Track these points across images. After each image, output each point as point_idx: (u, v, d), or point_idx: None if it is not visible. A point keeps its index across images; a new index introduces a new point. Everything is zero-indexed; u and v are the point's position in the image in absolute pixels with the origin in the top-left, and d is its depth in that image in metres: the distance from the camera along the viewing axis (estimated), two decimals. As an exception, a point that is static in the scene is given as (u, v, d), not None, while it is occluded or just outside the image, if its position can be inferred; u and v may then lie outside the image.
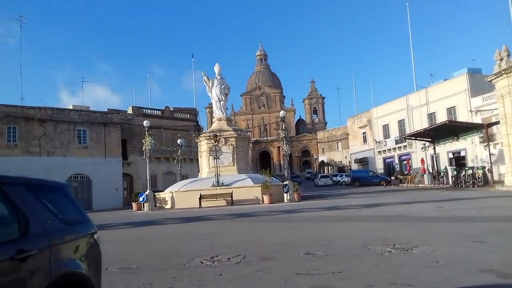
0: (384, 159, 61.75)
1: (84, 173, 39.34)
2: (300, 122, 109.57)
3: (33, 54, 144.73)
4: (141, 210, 29.82)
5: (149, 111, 49.62)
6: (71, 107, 43.64)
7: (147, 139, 31.59)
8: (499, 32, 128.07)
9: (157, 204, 30.96)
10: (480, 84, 42.89)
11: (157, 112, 50.18)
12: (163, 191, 33.84)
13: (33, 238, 3.78)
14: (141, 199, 29.97)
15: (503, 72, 29.73)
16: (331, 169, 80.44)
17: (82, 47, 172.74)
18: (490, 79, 31.91)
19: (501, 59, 30.24)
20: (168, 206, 29.96)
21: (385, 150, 60.81)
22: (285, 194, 27.99)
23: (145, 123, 32.22)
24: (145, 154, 31.51)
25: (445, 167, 42.76)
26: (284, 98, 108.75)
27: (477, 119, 42.72)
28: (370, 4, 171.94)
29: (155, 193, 31.95)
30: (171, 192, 30.68)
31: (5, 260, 3.18)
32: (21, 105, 39.21)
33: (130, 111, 47.55)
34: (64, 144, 39.34)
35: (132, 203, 31.99)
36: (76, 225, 4.81)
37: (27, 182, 4.33)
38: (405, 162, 57.01)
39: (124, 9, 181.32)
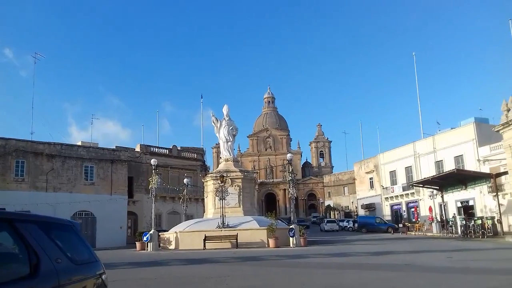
0: (392, 206, 61.00)
1: (89, 210, 39.16)
2: (306, 165, 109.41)
3: (45, 87, 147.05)
4: (144, 249, 29.39)
5: (156, 149, 49.90)
6: (79, 143, 44.05)
7: (154, 177, 31.55)
8: (506, 82, 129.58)
9: (161, 244, 30.53)
10: (487, 133, 42.92)
11: (165, 150, 50.44)
12: (167, 230, 33.45)
13: (43, 277, 3.72)
14: (145, 238, 29.59)
15: (510, 123, 29.79)
16: (337, 213, 79.45)
17: (94, 81, 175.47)
18: (498, 129, 31.94)
19: (508, 110, 30.37)
20: (172, 246, 29.52)
21: (392, 197, 60.17)
22: (291, 238, 27.53)
23: (153, 161, 32.29)
24: (151, 192, 31.38)
25: (454, 215, 42.11)
26: (291, 140, 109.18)
27: (485, 169, 42.42)
28: (377, 51, 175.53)
29: (160, 233, 31.58)
30: (175, 232, 30.31)
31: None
32: (31, 140, 39.62)
33: (138, 149, 47.84)
34: (71, 180, 39.41)
35: (136, 242, 31.57)
36: (85, 264, 4.74)
37: (39, 220, 4.30)
38: (412, 209, 56.23)
39: (138, 46, 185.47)
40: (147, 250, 29.03)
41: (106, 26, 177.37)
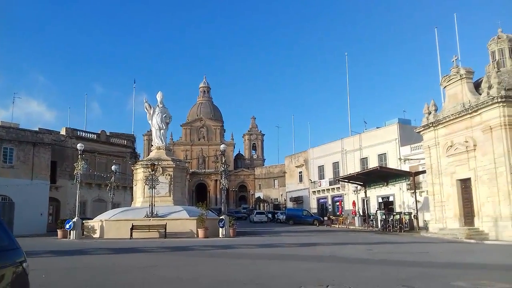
0: (318, 199, 63.21)
1: (6, 194, 36.59)
2: (238, 157, 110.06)
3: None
4: (66, 238, 28.11)
5: (84, 133, 47.64)
6: (-2, 123, 40.98)
7: (79, 163, 30.13)
8: (428, 87, 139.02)
9: (85, 233, 29.35)
10: (409, 134, 45.76)
11: (93, 135, 48.32)
12: (92, 219, 32.21)
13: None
14: (67, 226, 28.26)
15: (430, 125, 31.96)
16: (266, 205, 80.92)
17: (17, 56, 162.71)
18: (419, 130, 34.14)
19: (429, 113, 32.56)
20: (97, 235, 28.49)
21: (319, 191, 62.34)
22: (220, 229, 27.66)
23: (79, 146, 30.82)
24: (77, 178, 29.97)
25: (377, 210, 44.51)
26: (225, 131, 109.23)
27: (405, 167, 45.23)
28: (312, 49, 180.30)
29: (84, 221, 30.32)
30: (101, 220, 29.26)
31: None
32: None
33: (63, 132, 45.41)
34: (-13, 162, 36.63)
35: (58, 230, 30.07)
36: (4, 251, 4.51)
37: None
38: (337, 203, 58.67)
39: (68, 21, 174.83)
40: (70, 238, 27.79)
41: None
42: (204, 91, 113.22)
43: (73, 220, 28.36)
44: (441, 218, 30.45)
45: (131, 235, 26.37)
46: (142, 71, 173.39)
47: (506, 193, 25.16)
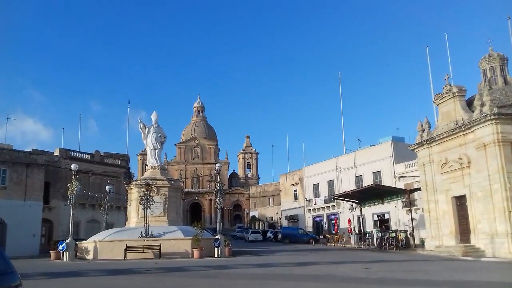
0: (313, 218, 62.90)
1: (-1, 216, 36.23)
2: (233, 175, 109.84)
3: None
4: (59, 259, 27.71)
5: (77, 154, 47.41)
6: (-9, 144, 40.73)
7: (73, 183, 29.91)
8: (421, 105, 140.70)
9: (78, 254, 28.97)
10: (403, 151, 45.90)
11: (87, 156, 48.10)
12: (85, 239, 31.84)
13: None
14: (60, 247, 27.88)
15: (424, 143, 32.14)
16: (262, 224, 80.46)
17: (12, 72, 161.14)
18: (413, 148, 34.29)
19: (423, 130, 32.78)
20: (91, 256, 28.11)
21: (314, 209, 62.11)
22: (216, 249, 27.40)
23: (73, 166, 30.67)
24: (70, 199, 29.70)
25: (372, 230, 44.34)
26: (219, 151, 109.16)
27: (400, 185, 45.27)
28: (305, 68, 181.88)
29: (77, 242, 29.97)
30: (94, 241, 28.91)
31: None
32: None
33: (57, 153, 45.19)
34: (-21, 183, 36.26)
35: (51, 252, 29.66)
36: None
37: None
38: (333, 221, 58.38)
39: (65, 36, 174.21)
40: (63, 259, 27.40)
41: (28, 9, 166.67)
42: (198, 111, 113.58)
43: (67, 241, 28.00)
44: (437, 236, 30.36)
45: (125, 256, 26.05)
46: (138, 89, 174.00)
47: (501, 210, 25.18)
